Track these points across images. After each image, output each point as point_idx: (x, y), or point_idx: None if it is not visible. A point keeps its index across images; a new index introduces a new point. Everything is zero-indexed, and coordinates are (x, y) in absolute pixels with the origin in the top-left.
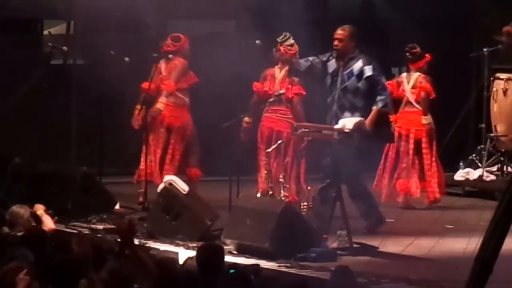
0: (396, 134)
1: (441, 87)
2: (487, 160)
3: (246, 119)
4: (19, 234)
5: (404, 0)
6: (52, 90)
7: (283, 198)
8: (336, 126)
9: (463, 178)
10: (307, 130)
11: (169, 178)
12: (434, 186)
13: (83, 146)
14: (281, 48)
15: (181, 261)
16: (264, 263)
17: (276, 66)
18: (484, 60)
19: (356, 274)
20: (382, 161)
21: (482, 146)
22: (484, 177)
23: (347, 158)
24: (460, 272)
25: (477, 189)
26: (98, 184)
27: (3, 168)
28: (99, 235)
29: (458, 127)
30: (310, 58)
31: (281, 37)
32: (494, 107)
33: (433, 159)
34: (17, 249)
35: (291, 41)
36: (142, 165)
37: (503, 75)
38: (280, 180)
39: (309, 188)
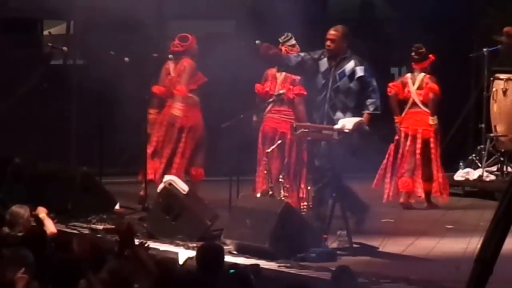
0: (402, 134)
1: (441, 87)
2: (487, 160)
3: (254, 118)
4: (19, 234)
5: (403, 0)
6: (52, 90)
7: (283, 198)
8: (336, 126)
9: (463, 178)
10: (306, 130)
11: (169, 178)
12: (443, 188)
13: (83, 146)
14: (283, 49)
15: (181, 261)
16: (264, 263)
17: (277, 67)
18: (484, 60)
19: (356, 274)
20: (385, 161)
21: (482, 146)
22: (484, 177)
23: (343, 158)
24: (460, 272)
25: (477, 189)
26: (98, 184)
27: (3, 168)
28: (99, 235)
29: (458, 127)
30: (301, 54)
31: (282, 37)
32: (494, 107)
33: (437, 163)
34: (17, 249)
35: (293, 41)
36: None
37: (503, 75)
38: (280, 180)
39: (309, 188)
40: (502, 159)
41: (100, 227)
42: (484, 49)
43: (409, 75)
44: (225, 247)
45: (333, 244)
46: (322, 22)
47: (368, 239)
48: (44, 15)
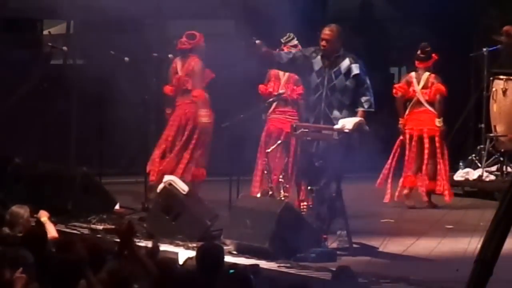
0: (407, 136)
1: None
2: (486, 160)
3: (263, 117)
4: (19, 234)
5: (403, 0)
6: (52, 90)
7: (283, 198)
8: (336, 126)
9: (462, 178)
10: (306, 130)
11: (169, 178)
12: (447, 187)
13: (83, 146)
14: (285, 49)
15: (181, 261)
16: (264, 263)
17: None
18: (484, 60)
19: (356, 274)
20: (389, 161)
21: (482, 146)
22: (483, 177)
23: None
24: (460, 273)
25: (476, 189)
26: (98, 184)
27: (3, 168)
28: (99, 235)
29: (458, 127)
30: (293, 51)
31: (284, 37)
32: (494, 107)
33: (442, 161)
34: (17, 250)
35: (295, 41)
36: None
37: (502, 75)
38: (280, 180)
39: (309, 188)
40: (502, 159)
41: (100, 227)
42: (484, 49)
43: (413, 74)
44: (225, 247)
45: (333, 244)
46: (322, 22)
47: (368, 239)
48: (44, 15)
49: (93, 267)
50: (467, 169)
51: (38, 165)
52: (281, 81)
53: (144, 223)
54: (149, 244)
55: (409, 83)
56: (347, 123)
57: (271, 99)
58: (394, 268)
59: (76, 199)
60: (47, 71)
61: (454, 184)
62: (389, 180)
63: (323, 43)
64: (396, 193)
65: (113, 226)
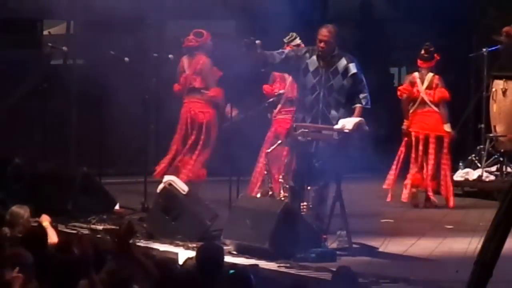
0: (413, 139)
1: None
2: (486, 160)
3: (269, 116)
4: (20, 235)
5: (403, 0)
6: (52, 90)
7: (283, 198)
8: (336, 126)
9: (462, 179)
10: (306, 130)
11: (168, 178)
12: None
13: (83, 146)
14: (288, 48)
15: (181, 261)
16: (263, 264)
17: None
18: (484, 60)
19: (356, 274)
20: (395, 162)
21: (482, 146)
22: (483, 178)
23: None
24: (460, 273)
25: (476, 190)
26: (98, 185)
27: (3, 168)
28: (98, 236)
29: (458, 127)
30: (285, 51)
31: (287, 37)
32: (494, 107)
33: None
34: (17, 250)
35: (298, 41)
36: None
37: (503, 78)
38: (280, 180)
39: (309, 188)
40: (501, 159)
41: (100, 227)
42: (484, 49)
43: (416, 74)
44: (225, 247)
45: (333, 244)
46: (322, 22)
47: (368, 240)
48: (44, 15)
49: (93, 268)
50: (467, 169)
51: (38, 165)
52: (287, 82)
53: (144, 223)
54: (149, 244)
55: (412, 84)
56: (347, 123)
57: (271, 99)
58: (394, 268)
59: (76, 199)
60: (47, 71)
61: (454, 184)
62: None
63: (322, 44)
64: (405, 194)
65: (113, 226)
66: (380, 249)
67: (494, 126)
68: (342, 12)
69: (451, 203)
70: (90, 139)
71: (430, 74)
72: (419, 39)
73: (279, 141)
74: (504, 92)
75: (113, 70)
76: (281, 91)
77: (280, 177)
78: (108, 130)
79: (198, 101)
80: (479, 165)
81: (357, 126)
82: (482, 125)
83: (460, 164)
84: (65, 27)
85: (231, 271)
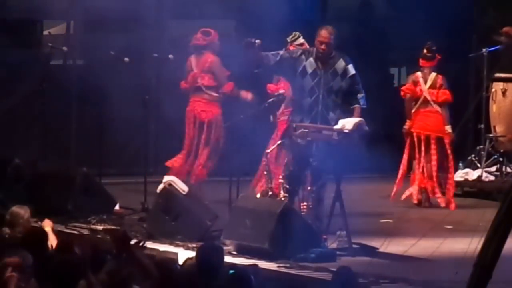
0: (415, 139)
1: None
2: (486, 161)
3: (272, 119)
4: (19, 235)
5: (403, 0)
6: (52, 90)
7: (283, 199)
8: (336, 127)
9: (462, 179)
10: (306, 130)
11: (168, 178)
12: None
13: (83, 146)
14: (291, 48)
15: (180, 262)
16: (263, 264)
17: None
18: (483, 60)
19: (356, 274)
20: (403, 162)
21: (481, 146)
22: (483, 178)
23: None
24: (460, 274)
25: (476, 190)
26: (98, 185)
27: (3, 168)
28: (98, 236)
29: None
30: (280, 52)
31: (290, 36)
32: (493, 108)
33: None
34: (16, 250)
35: (301, 40)
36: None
37: (502, 75)
38: (280, 180)
39: (309, 188)
40: (501, 159)
41: (100, 227)
42: (484, 49)
43: (419, 73)
44: (225, 248)
45: (332, 244)
46: (322, 22)
47: (368, 240)
48: (44, 15)
49: (93, 267)
50: (467, 170)
51: (38, 165)
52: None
53: (144, 223)
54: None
55: (415, 83)
56: (347, 123)
57: (270, 100)
58: (394, 268)
59: (76, 199)
60: (47, 71)
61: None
62: (398, 177)
63: (323, 46)
64: (415, 196)
65: (113, 227)
66: (380, 249)
67: (494, 127)
68: (341, 12)
69: (452, 206)
70: (90, 139)
71: (434, 74)
72: (419, 39)
73: (279, 141)
74: (504, 93)
75: (113, 70)
76: (280, 91)
77: (280, 177)
78: (108, 130)
79: (201, 100)
80: (479, 165)
81: (357, 126)
82: (482, 126)
83: (460, 164)
84: (65, 27)
85: (231, 271)
